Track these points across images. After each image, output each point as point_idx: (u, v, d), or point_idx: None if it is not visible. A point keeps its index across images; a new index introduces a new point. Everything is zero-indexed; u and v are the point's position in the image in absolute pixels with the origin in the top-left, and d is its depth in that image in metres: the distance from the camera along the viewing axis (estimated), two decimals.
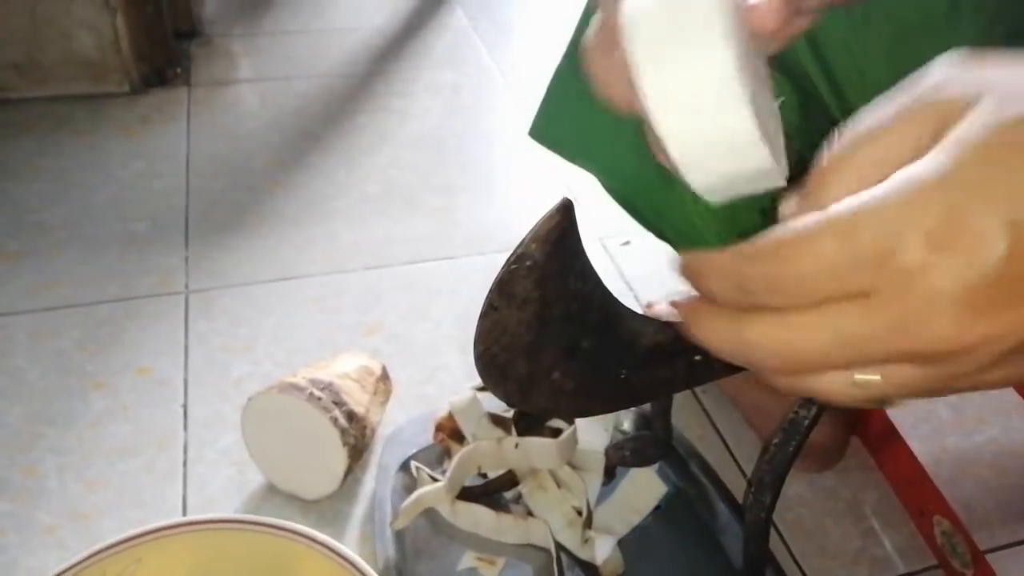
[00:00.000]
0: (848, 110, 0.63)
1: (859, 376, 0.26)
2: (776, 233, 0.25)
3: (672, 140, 0.30)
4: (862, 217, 0.23)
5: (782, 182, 0.31)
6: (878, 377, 0.25)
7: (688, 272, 0.28)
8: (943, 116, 0.24)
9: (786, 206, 0.28)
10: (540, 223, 0.33)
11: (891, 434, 0.78)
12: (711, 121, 0.29)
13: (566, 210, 0.33)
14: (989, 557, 0.68)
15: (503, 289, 0.33)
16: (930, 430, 0.83)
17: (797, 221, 0.24)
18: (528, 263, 0.33)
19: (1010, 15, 0.58)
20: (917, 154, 0.24)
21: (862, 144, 0.26)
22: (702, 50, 0.29)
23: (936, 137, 0.23)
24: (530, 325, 0.34)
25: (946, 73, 0.25)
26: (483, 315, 0.34)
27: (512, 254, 0.33)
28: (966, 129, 0.23)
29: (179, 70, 1.34)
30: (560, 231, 0.33)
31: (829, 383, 0.26)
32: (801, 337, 0.25)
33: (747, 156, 0.30)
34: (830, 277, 0.24)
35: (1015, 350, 0.23)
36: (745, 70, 0.30)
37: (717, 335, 0.27)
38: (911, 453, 0.76)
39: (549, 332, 0.35)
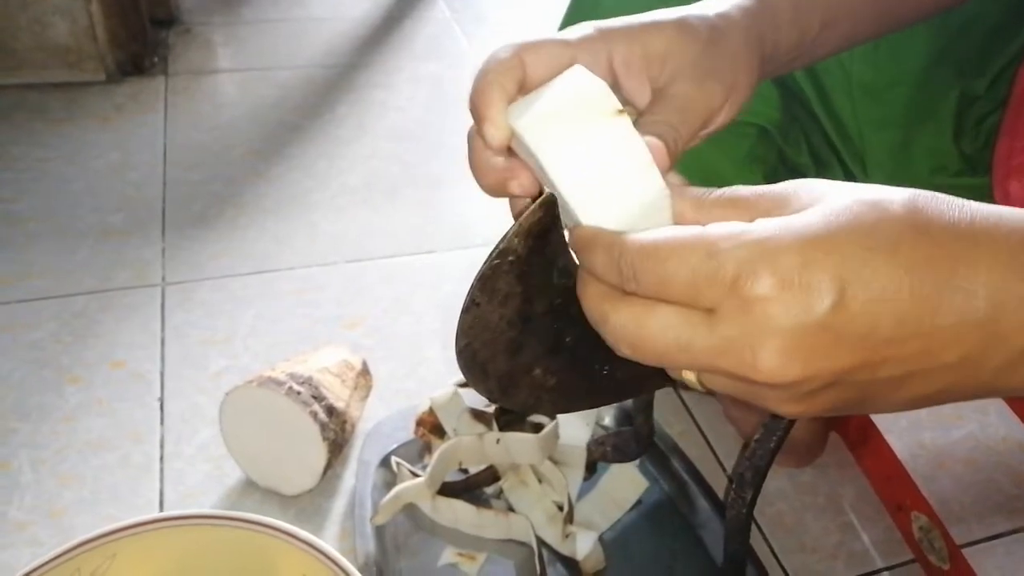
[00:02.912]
0: (828, 104, 0.64)
1: (685, 373, 0.30)
2: (660, 233, 0.29)
3: (585, 212, 0.33)
4: (732, 244, 0.27)
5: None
6: (693, 378, 0.30)
7: (579, 243, 0.32)
8: (788, 201, 0.29)
9: (681, 203, 0.33)
10: (522, 218, 0.32)
11: (869, 430, 0.79)
12: (624, 187, 0.33)
13: (548, 205, 0.33)
14: (966, 551, 0.69)
15: (485, 284, 0.33)
16: (908, 425, 0.84)
17: (679, 229, 0.28)
18: (510, 258, 0.33)
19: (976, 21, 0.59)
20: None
21: (732, 203, 0.31)
22: (604, 129, 0.33)
23: (784, 213, 0.28)
24: (512, 321, 0.34)
25: (805, 181, 0.30)
26: (465, 310, 0.33)
27: (494, 249, 0.33)
28: (821, 207, 0.27)
29: (156, 59, 1.32)
30: (542, 226, 0.33)
31: (670, 369, 0.31)
32: (650, 334, 0.28)
33: (659, 209, 0.33)
34: (688, 285, 0.27)
35: (816, 391, 0.28)
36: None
37: (588, 303, 0.31)
38: (889, 449, 0.77)
39: (531, 328, 0.34)
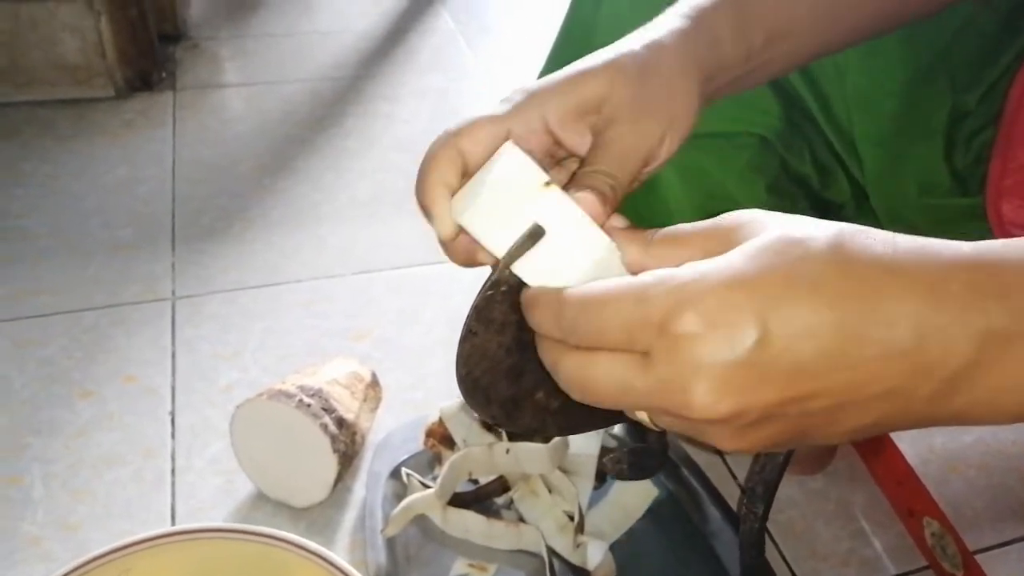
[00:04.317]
0: (829, 112, 0.64)
1: (637, 414, 0.31)
2: (593, 286, 0.30)
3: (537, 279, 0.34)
4: (660, 289, 0.28)
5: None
6: (646, 417, 0.31)
7: (524, 304, 0.33)
8: (729, 235, 0.30)
9: (629, 246, 0.34)
10: (512, 249, 0.34)
11: (880, 436, 0.79)
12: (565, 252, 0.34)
13: (535, 236, 0.34)
14: (979, 557, 0.69)
15: (480, 315, 0.34)
16: (918, 431, 0.83)
17: (612, 281, 0.30)
18: (503, 288, 0.34)
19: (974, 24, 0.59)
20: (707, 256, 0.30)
21: (676, 241, 0.32)
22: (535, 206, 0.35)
23: (724, 249, 0.29)
24: (510, 348, 0.35)
25: (742, 214, 0.31)
26: (463, 340, 0.34)
27: (487, 280, 0.34)
28: (745, 246, 0.29)
29: (164, 74, 1.33)
30: None
31: (629, 414, 0.32)
32: (594, 379, 0.30)
33: (610, 263, 0.35)
34: (622, 331, 0.29)
35: (752, 424, 0.28)
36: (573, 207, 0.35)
37: (542, 355, 0.33)
38: (900, 454, 0.77)
39: (530, 354, 0.35)
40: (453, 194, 0.37)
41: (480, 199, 0.36)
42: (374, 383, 0.79)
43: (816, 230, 0.28)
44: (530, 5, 1.68)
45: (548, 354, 0.32)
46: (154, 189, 1.11)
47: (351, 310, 0.95)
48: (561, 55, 0.67)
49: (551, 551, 0.66)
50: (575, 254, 0.34)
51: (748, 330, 0.27)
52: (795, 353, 0.27)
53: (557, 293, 0.31)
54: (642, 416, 0.32)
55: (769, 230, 0.29)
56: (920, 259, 0.28)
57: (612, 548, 0.68)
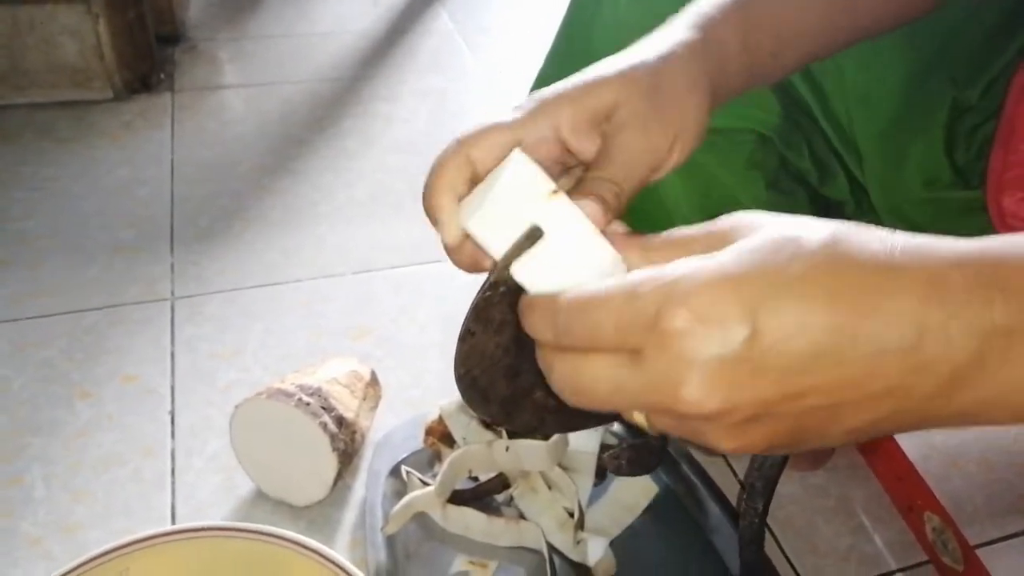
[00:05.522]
0: (827, 109, 0.64)
1: (635, 415, 0.31)
2: (587, 288, 0.30)
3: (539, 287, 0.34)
4: (651, 286, 0.28)
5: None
6: (643, 420, 0.31)
7: (520, 311, 0.33)
8: (726, 236, 0.30)
9: (629, 252, 0.34)
10: (510, 250, 0.34)
11: None
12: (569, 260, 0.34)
13: (532, 236, 0.34)
14: (979, 552, 0.69)
15: (479, 314, 0.34)
16: None
17: (605, 282, 0.30)
18: (502, 289, 0.34)
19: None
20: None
21: (675, 244, 0.32)
22: (541, 210, 0.34)
23: (720, 247, 0.29)
24: (508, 348, 0.35)
25: (741, 215, 0.31)
26: (461, 340, 0.34)
27: (486, 281, 0.34)
28: (739, 244, 0.28)
29: (163, 76, 1.34)
30: None
31: (626, 417, 0.32)
32: (588, 380, 0.30)
33: (614, 273, 0.34)
34: (615, 330, 0.28)
35: (746, 421, 0.28)
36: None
37: (540, 361, 0.33)
38: (900, 450, 0.76)
39: (527, 353, 0.35)
40: (460, 200, 0.37)
41: (486, 205, 0.36)
42: (373, 382, 0.79)
43: (812, 229, 0.28)
44: (528, 5, 1.69)
45: (543, 359, 0.32)
46: (153, 190, 1.11)
47: (350, 309, 0.95)
48: (560, 56, 0.67)
49: (551, 548, 0.66)
50: (578, 264, 0.34)
51: (738, 325, 0.26)
52: (786, 350, 0.27)
53: (552, 297, 0.31)
54: (639, 419, 0.31)
55: (764, 230, 0.29)
56: (919, 255, 0.27)
57: (612, 544, 0.68)
